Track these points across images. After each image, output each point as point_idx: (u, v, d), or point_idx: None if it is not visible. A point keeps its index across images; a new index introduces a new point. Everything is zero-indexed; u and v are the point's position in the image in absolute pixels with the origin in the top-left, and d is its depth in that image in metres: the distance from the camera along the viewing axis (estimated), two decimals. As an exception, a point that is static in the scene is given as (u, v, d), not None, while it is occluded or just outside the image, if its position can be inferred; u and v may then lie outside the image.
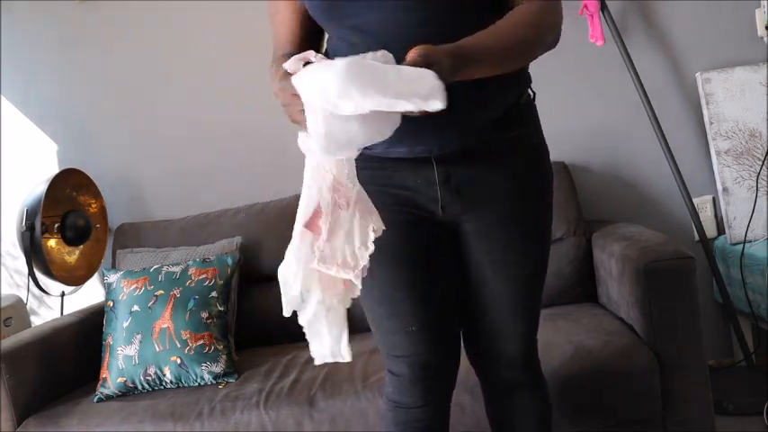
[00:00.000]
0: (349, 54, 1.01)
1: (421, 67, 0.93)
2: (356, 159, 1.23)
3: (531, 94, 1.31)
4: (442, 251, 1.31)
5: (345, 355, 1.06)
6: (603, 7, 2.29)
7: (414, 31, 1.12)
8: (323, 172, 1.02)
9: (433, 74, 0.92)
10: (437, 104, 0.90)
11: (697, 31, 2.41)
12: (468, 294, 1.34)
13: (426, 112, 0.91)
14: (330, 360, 1.06)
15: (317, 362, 1.07)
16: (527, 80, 1.30)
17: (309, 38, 1.27)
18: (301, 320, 1.05)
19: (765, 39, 2.38)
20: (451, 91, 0.94)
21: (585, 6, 2.29)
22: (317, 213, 1.01)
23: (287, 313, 1.04)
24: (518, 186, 1.27)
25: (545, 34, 1.16)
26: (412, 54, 0.95)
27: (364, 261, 1.01)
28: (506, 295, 1.31)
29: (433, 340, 1.29)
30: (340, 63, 0.91)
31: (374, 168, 1.25)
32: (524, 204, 1.28)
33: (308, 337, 1.06)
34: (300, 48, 1.24)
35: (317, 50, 1.24)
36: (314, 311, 1.04)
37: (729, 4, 2.39)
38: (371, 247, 1.02)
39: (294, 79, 0.98)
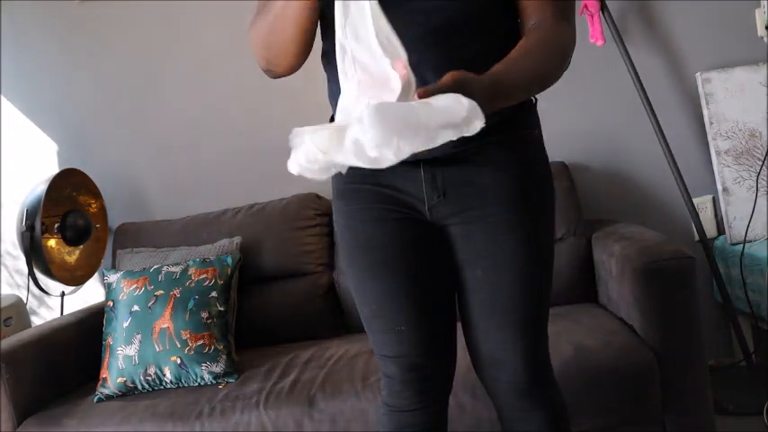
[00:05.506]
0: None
1: (451, 91, 0.89)
2: None
3: (534, 99, 1.27)
4: (433, 251, 1.27)
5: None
6: (603, 7, 2.28)
7: (420, 45, 1.10)
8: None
9: (464, 97, 0.87)
10: (477, 125, 0.86)
11: (697, 31, 2.41)
12: (461, 302, 1.30)
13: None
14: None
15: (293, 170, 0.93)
16: None
17: None
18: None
19: (765, 39, 2.38)
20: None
21: (585, 6, 2.29)
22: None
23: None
24: (507, 188, 1.22)
25: (565, 64, 1.15)
26: (446, 78, 0.92)
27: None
28: (493, 301, 1.24)
29: (423, 341, 1.26)
30: (369, 113, 0.83)
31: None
32: (514, 207, 1.22)
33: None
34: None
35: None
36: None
37: (729, 4, 2.39)
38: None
39: (298, 141, 0.91)
